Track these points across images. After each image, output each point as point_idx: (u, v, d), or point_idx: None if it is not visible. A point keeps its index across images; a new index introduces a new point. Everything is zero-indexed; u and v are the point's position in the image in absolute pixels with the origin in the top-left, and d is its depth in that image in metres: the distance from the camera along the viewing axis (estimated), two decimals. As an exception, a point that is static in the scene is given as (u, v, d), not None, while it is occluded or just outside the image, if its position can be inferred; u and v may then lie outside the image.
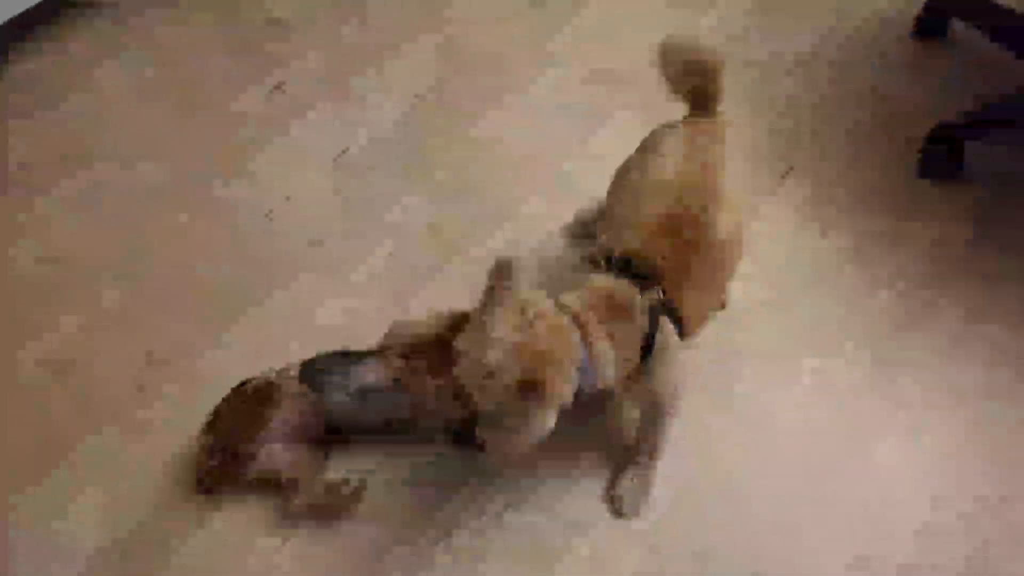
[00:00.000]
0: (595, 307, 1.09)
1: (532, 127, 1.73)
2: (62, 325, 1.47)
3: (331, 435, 1.32)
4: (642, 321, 1.09)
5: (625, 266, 1.12)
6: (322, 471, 1.30)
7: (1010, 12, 1.68)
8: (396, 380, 1.28)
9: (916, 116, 1.70)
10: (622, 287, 1.10)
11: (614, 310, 1.09)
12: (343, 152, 1.69)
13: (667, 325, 1.12)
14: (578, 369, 1.04)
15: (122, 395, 1.40)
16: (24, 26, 1.81)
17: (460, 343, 1.05)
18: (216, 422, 1.28)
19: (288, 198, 1.63)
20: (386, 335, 1.35)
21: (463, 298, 1.46)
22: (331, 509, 1.27)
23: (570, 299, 1.10)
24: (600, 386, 1.09)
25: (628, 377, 1.12)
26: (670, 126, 1.24)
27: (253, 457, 1.25)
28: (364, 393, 1.28)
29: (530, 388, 0.98)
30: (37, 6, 1.77)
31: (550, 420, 1.04)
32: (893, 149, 1.68)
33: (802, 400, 1.40)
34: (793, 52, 1.83)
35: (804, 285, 1.52)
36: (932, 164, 1.64)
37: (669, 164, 1.18)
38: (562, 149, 1.69)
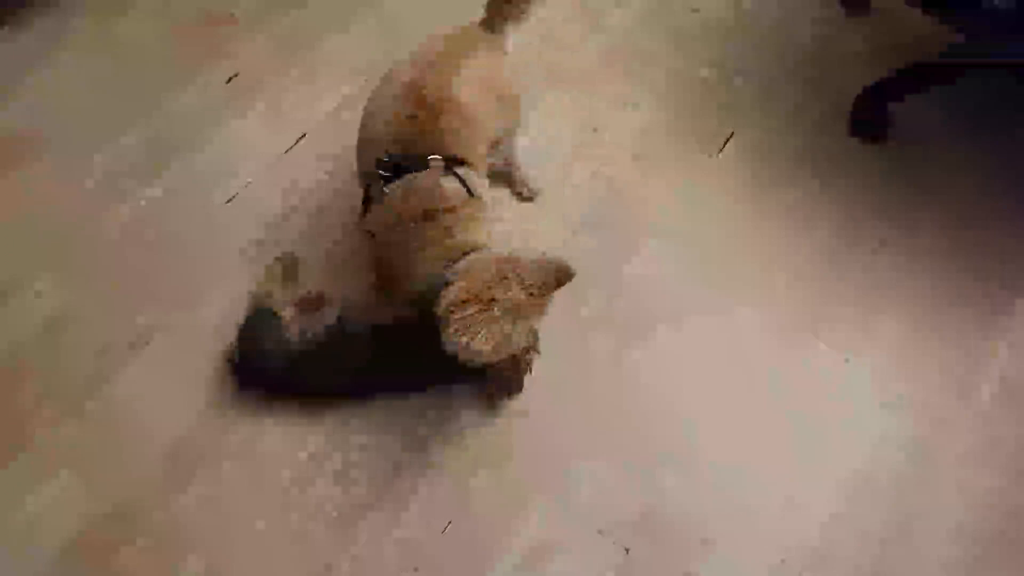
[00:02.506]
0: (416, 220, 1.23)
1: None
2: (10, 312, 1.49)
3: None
4: (453, 189, 1.24)
5: (400, 167, 1.24)
6: None
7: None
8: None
9: (846, 80, 1.80)
10: (420, 185, 1.23)
11: (427, 214, 1.23)
12: (301, 136, 1.71)
13: (466, 173, 1.26)
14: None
15: (80, 384, 1.42)
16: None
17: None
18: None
19: (248, 183, 1.65)
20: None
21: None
22: None
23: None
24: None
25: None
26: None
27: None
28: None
29: None
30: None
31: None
32: (826, 112, 1.78)
33: (738, 340, 1.50)
34: (727, 23, 1.91)
35: (742, 239, 1.61)
36: (861, 125, 1.74)
37: (412, 67, 1.30)
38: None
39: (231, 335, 1.44)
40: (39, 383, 1.42)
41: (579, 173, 1.68)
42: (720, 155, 1.72)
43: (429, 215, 1.23)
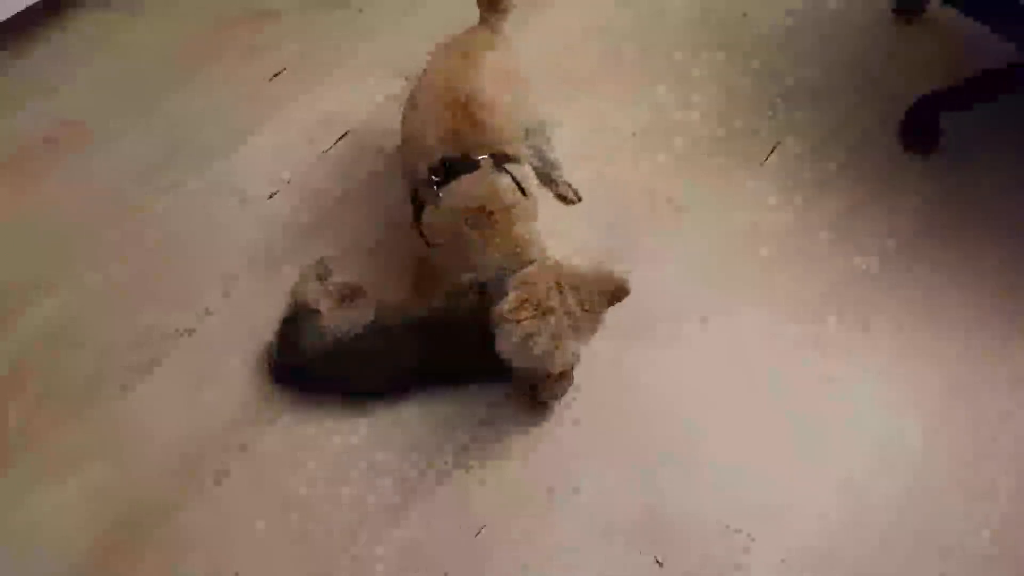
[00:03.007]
0: (473, 219, 1.23)
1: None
2: (46, 305, 1.51)
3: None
4: (506, 185, 1.25)
5: (452, 169, 1.26)
6: None
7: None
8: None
9: (896, 90, 1.75)
10: (475, 185, 1.25)
11: (484, 213, 1.23)
12: (344, 134, 1.73)
13: (517, 169, 1.28)
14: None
15: (83, 386, 1.44)
16: (23, 19, 1.83)
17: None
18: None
19: (288, 180, 1.67)
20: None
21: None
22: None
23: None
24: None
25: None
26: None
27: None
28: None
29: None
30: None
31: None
32: (874, 122, 1.73)
33: (779, 354, 1.47)
34: (777, 29, 1.89)
35: (788, 252, 1.58)
36: (912, 137, 1.69)
37: (436, 74, 1.35)
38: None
39: (253, 337, 1.46)
40: (41, 384, 1.44)
41: (607, 174, 1.68)
42: (764, 163, 1.69)
43: (486, 215, 1.24)
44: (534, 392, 1.39)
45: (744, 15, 1.91)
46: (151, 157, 1.70)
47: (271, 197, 1.65)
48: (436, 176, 1.27)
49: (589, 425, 1.40)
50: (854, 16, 1.90)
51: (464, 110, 1.28)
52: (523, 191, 1.27)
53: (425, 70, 1.39)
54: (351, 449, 1.38)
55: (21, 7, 1.80)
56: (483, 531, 1.31)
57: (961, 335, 1.48)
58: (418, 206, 1.35)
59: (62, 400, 1.42)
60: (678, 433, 1.39)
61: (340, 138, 1.72)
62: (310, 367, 1.37)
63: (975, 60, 1.77)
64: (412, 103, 1.38)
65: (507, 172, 1.27)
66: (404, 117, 1.39)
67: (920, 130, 1.69)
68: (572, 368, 1.36)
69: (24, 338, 1.48)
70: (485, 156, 1.26)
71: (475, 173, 1.26)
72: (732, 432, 1.39)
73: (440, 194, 1.27)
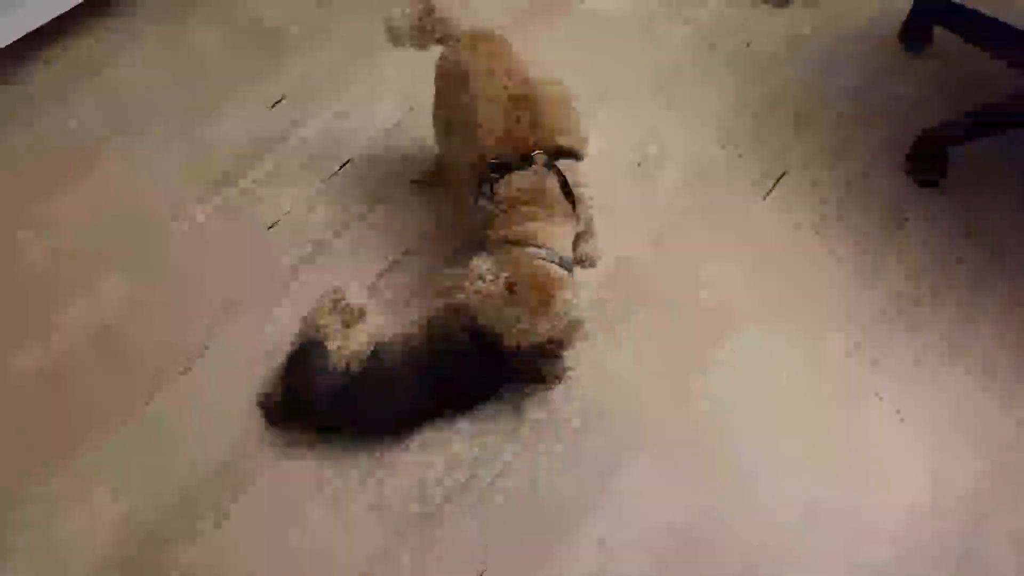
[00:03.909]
0: (515, 211, 1.26)
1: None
2: (65, 323, 1.50)
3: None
4: (552, 184, 1.27)
5: (503, 165, 1.28)
6: None
7: (993, 21, 1.72)
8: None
9: (902, 120, 1.75)
10: (521, 179, 1.27)
11: (536, 202, 1.26)
12: (346, 163, 1.71)
13: (568, 166, 1.29)
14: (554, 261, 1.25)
15: (131, 395, 1.42)
16: (33, 37, 1.83)
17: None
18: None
19: (289, 211, 1.65)
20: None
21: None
22: None
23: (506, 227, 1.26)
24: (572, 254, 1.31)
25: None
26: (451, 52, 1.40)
27: None
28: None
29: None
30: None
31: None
32: (880, 153, 1.72)
33: (788, 383, 1.46)
34: (781, 60, 1.88)
35: (795, 284, 1.56)
36: (920, 168, 1.68)
37: (492, 63, 1.33)
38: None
39: (264, 363, 1.44)
40: (78, 395, 1.42)
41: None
42: (769, 195, 1.67)
43: (518, 202, 1.27)
44: (536, 379, 1.41)
45: (748, 45, 1.90)
46: (147, 186, 1.68)
47: (271, 228, 1.63)
48: (493, 172, 1.28)
49: (591, 459, 1.38)
50: (860, 47, 1.89)
51: (527, 109, 1.28)
52: (568, 194, 1.28)
53: (466, 54, 1.35)
54: (349, 487, 1.35)
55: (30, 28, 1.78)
56: (484, 575, 1.29)
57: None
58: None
59: (97, 414, 1.41)
60: (722, 456, 1.38)
61: (342, 166, 1.71)
62: (317, 404, 1.34)
63: (983, 91, 1.76)
64: (462, 86, 1.34)
65: (557, 170, 1.27)
66: (451, 100, 1.37)
67: (928, 161, 1.67)
68: (561, 368, 1.38)
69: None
70: (539, 152, 1.27)
71: (526, 171, 1.26)
72: (786, 463, 1.37)
73: (494, 191, 1.28)
